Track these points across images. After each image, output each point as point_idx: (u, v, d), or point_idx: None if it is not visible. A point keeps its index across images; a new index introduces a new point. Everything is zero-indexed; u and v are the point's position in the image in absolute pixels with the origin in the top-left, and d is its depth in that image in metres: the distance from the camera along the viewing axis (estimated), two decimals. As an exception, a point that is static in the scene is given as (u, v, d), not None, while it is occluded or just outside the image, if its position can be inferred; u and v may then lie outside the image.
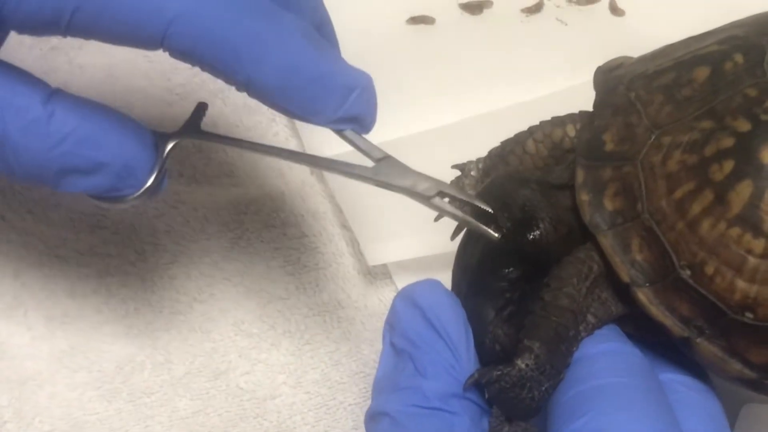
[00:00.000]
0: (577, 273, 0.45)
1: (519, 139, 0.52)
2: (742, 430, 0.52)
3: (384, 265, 0.65)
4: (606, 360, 0.43)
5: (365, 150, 0.47)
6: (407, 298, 0.45)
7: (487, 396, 0.44)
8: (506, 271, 0.45)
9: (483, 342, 0.45)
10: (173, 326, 0.62)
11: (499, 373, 0.42)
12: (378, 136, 0.67)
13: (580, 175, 0.46)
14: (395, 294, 0.63)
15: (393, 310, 0.46)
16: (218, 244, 0.64)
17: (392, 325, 0.46)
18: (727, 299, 0.42)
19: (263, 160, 0.68)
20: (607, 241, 0.44)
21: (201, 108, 0.48)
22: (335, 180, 0.66)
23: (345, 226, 0.66)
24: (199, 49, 0.41)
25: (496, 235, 0.45)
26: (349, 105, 0.44)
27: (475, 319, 0.45)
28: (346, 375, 0.62)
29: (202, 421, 0.60)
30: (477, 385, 0.43)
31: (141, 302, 0.62)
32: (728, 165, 0.42)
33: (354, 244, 0.65)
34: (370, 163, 0.47)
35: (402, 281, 0.64)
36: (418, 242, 0.63)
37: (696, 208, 0.42)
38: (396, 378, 0.44)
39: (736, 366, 0.43)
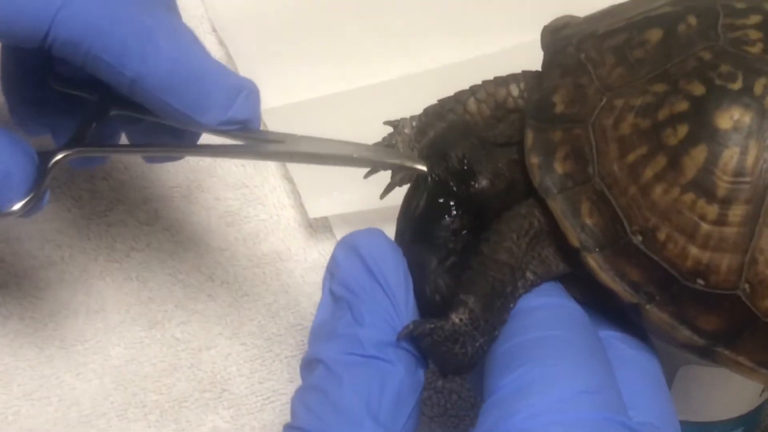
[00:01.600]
0: (517, 228, 0.44)
1: (459, 98, 0.51)
2: (679, 390, 0.52)
3: (325, 218, 0.64)
4: (543, 314, 0.43)
5: (267, 140, 0.47)
6: (348, 246, 0.45)
7: (420, 349, 0.43)
8: (450, 220, 0.45)
9: (423, 291, 0.44)
10: (108, 274, 0.61)
11: (432, 326, 0.42)
12: (307, 93, 0.67)
13: (529, 137, 0.45)
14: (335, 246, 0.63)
15: (333, 258, 0.45)
16: (157, 192, 0.63)
17: (332, 272, 0.45)
18: (679, 266, 0.42)
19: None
20: (556, 205, 0.43)
21: (87, 124, 0.47)
22: (278, 130, 0.65)
23: (287, 178, 0.65)
24: (88, 40, 0.41)
25: (424, 168, 0.45)
26: (237, 106, 0.44)
27: (416, 268, 0.44)
28: (284, 327, 0.61)
29: (135, 369, 0.59)
30: (411, 336, 0.43)
31: (76, 249, 0.61)
32: (682, 129, 0.41)
33: (295, 196, 0.64)
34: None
35: (342, 234, 0.62)
36: (360, 196, 0.62)
37: (649, 172, 0.42)
38: (333, 326, 0.43)
39: (685, 333, 0.43)
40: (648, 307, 0.43)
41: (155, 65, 0.42)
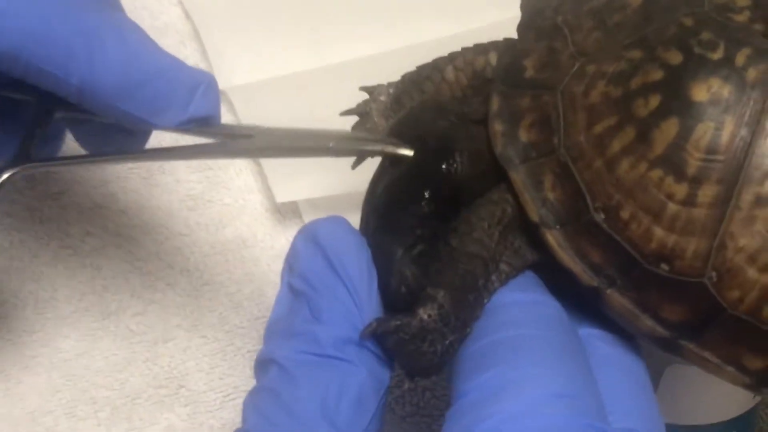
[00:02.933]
0: (489, 216, 0.41)
1: (437, 66, 0.48)
2: (666, 391, 0.50)
3: (294, 203, 0.60)
4: (518, 311, 0.40)
5: (233, 134, 0.44)
6: (308, 235, 0.42)
7: (385, 348, 0.40)
8: (418, 206, 0.41)
9: (389, 284, 0.40)
10: (60, 261, 0.58)
11: (398, 323, 0.38)
12: (277, 69, 0.63)
13: (495, 103, 0.42)
14: (300, 232, 0.60)
15: (292, 249, 0.42)
16: (114, 172, 0.60)
17: (290, 264, 0.42)
18: (643, 248, 0.39)
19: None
20: (518, 177, 0.41)
21: (30, 135, 0.43)
22: (245, 110, 0.61)
23: (253, 160, 0.61)
24: (28, 49, 0.38)
25: (410, 153, 0.42)
26: (196, 103, 0.42)
27: (382, 258, 0.41)
28: (247, 319, 0.58)
29: (86, 363, 0.56)
30: (374, 335, 0.39)
31: (26, 233, 0.58)
32: (654, 100, 0.38)
33: (262, 179, 0.61)
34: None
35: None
36: (330, 179, 0.59)
37: (616, 145, 0.39)
38: (289, 322, 0.40)
39: (647, 322, 0.40)
40: (608, 291, 0.40)
41: (104, 69, 0.39)
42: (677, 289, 0.39)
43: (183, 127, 0.42)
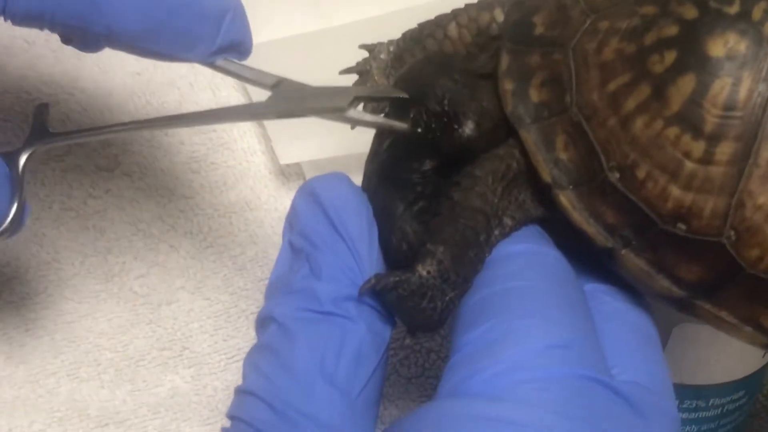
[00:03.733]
0: (493, 171, 0.40)
1: (440, 22, 0.47)
2: (674, 350, 0.49)
3: (297, 165, 0.60)
4: (518, 262, 0.39)
5: (254, 79, 0.43)
6: (308, 192, 0.41)
7: (385, 305, 0.39)
8: (419, 162, 0.40)
9: (389, 240, 0.40)
10: (63, 223, 0.57)
11: (397, 279, 0.38)
12: (279, 32, 0.62)
13: (504, 61, 0.41)
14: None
15: (292, 206, 0.41)
16: (117, 135, 0.59)
17: (291, 222, 0.41)
18: (659, 207, 0.38)
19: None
20: (529, 137, 0.40)
21: (42, 110, 0.43)
22: (248, 73, 0.61)
23: (257, 122, 0.61)
24: (51, 8, 0.37)
25: (412, 128, 0.41)
26: (224, 31, 0.41)
27: (382, 214, 0.40)
28: (251, 281, 0.57)
29: (89, 325, 0.55)
30: (374, 291, 0.38)
31: (29, 195, 0.56)
32: (670, 56, 0.37)
33: (266, 140, 0.60)
34: (263, 95, 0.43)
35: (316, 182, 0.60)
36: (333, 140, 0.58)
37: (630, 103, 0.38)
38: (289, 280, 0.39)
39: (663, 282, 0.39)
40: (623, 252, 0.39)
41: (128, 14, 0.39)
42: (694, 248, 0.38)
43: (213, 58, 0.42)
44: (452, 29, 0.46)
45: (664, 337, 0.49)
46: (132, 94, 0.60)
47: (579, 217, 0.39)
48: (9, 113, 0.59)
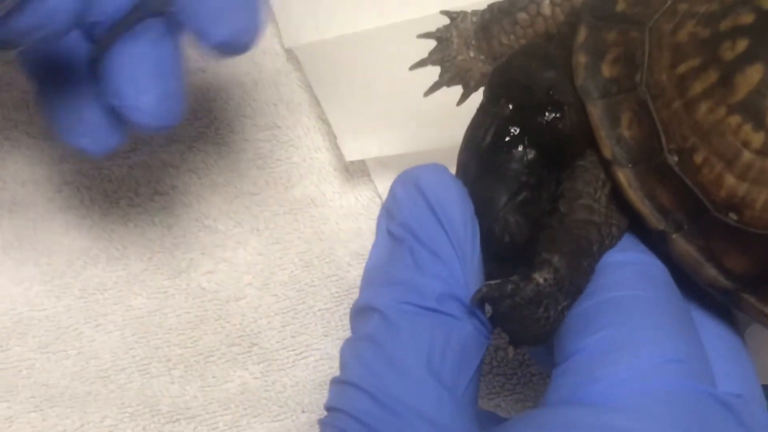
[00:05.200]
0: (594, 179, 0.40)
1: None
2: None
3: (362, 162, 0.60)
4: (626, 271, 0.39)
5: None
6: (410, 182, 0.40)
7: (492, 315, 0.38)
8: (523, 152, 0.40)
9: (491, 231, 0.39)
10: (131, 219, 0.57)
11: (513, 287, 0.37)
12: (341, 28, 0.62)
13: (581, 34, 0.41)
14: (375, 191, 0.59)
15: (392, 195, 0.40)
16: (184, 132, 0.59)
17: (390, 211, 0.40)
18: (713, 194, 0.38)
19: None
20: (595, 111, 0.40)
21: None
22: (313, 68, 0.61)
23: (322, 119, 0.61)
24: None
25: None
26: None
27: (484, 204, 0.39)
28: (317, 278, 0.57)
29: (158, 321, 0.55)
30: (487, 299, 0.38)
31: (96, 192, 0.58)
32: (742, 44, 0.37)
33: (331, 137, 0.60)
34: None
35: (381, 180, 0.59)
36: (400, 137, 0.58)
37: (697, 87, 0.38)
38: (390, 270, 0.38)
39: (711, 271, 0.39)
40: (675, 236, 0.39)
41: None
42: (744, 239, 0.38)
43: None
44: (546, 7, 0.45)
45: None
46: (197, 91, 0.60)
47: (635, 195, 0.39)
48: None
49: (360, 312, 0.39)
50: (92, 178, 0.58)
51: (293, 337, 0.56)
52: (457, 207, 0.38)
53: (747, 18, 0.37)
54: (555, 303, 0.38)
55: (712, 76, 0.37)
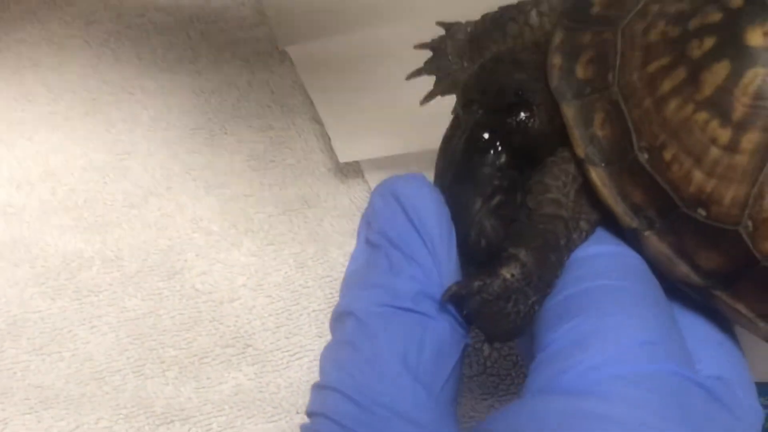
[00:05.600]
0: (563, 174, 0.40)
1: (522, 8, 0.46)
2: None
3: (356, 163, 0.60)
4: (598, 262, 0.39)
5: None
6: (387, 192, 0.40)
7: (465, 312, 0.39)
8: (495, 155, 0.40)
9: (467, 236, 0.40)
10: (125, 221, 0.57)
11: (480, 283, 0.37)
12: (335, 30, 0.61)
13: (557, 37, 0.42)
14: (369, 192, 0.59)
15: (371, 206, 0.41)
16: (178, 134, 0.59)
17: (369, 221, 0.40)
18: (682, 190, 0.38)
19: (229, 48, 0.62)
20: (569, 111, 0.40)
21: None
22: (307, 70, 0.61)
23: (316, 120, 0.61)
24: None
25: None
26: None
27: (460, 210, 0.40)
28: (312, 279, 0.57)
29: (152, 323, 0.55)
30: (457, 297, 0.38)
31: (91, 193, 0.58)
32: (709, 42, 0.37)
33: (325, 139, 0.60)
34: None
35: (375, 180, 0.60)
36: (393, 139, 0.58)
37: (666, 85, 0.38)
38: (367, 275, 0.39)
39: (683, 268, 0.39)
40: (647, 233, 0.39)
41: None
42: (713, 235, 0.38)
43: None
44: (533, 17, 0.46)
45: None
46: (191, 93, 0.61)
47: (608, 194, 0.39)
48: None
49: (338, 317, 0.39)
50: (86, 180, 0.58)
51: (287, 338, 0.56)
52: (432, 214, 0.39)
53: (715, 16, 0.38)
54: (524, 298, 0.38)
55: (680, 74, 0.38)
